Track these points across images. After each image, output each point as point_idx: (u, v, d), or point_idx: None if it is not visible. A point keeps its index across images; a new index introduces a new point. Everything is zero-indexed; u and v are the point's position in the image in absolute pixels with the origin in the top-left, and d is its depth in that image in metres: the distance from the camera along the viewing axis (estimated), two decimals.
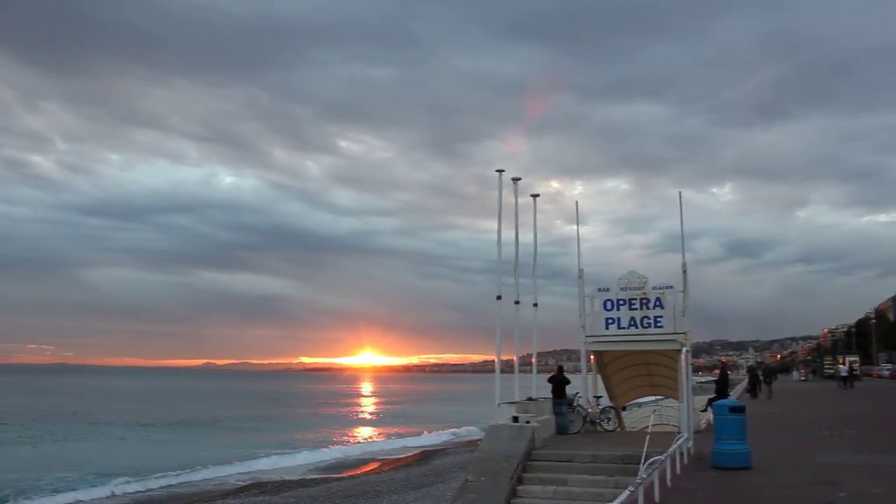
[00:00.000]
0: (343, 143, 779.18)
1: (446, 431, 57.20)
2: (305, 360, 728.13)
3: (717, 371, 45.90)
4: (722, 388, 26.06)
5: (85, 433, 53.23)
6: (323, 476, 34.06)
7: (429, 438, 52.34)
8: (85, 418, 66.23)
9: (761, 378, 47.12)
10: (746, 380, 52.52)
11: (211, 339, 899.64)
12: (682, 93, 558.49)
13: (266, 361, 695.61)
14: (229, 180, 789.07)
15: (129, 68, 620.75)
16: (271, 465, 37.76)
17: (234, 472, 35.26)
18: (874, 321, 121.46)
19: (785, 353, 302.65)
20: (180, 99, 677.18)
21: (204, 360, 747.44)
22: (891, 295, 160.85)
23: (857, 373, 67.72)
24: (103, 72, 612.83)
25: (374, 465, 38.71)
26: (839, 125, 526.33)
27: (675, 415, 23.66)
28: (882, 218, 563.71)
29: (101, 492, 29.56)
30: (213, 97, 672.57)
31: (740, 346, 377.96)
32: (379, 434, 59.37)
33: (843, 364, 68.23)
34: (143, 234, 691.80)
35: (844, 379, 55.79)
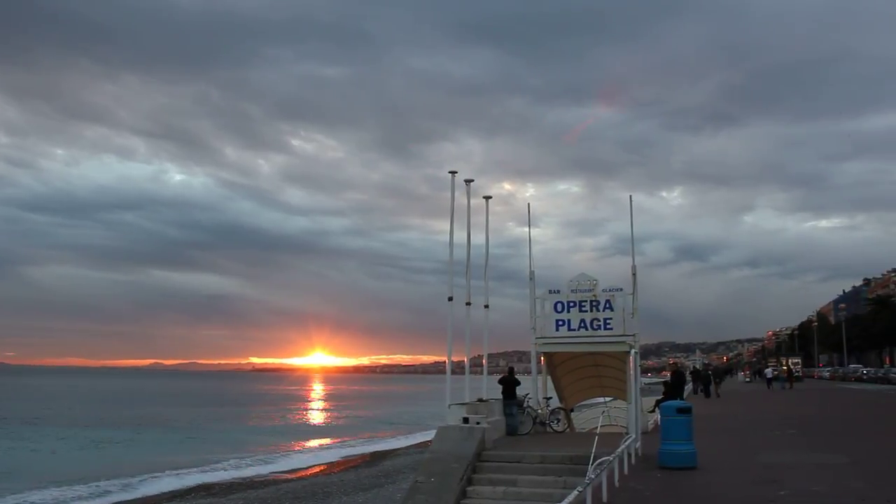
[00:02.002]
0: (295, 142, 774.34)
1: (401, 437, 55.80)
2: (255, 360, 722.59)
3: (666, 372, 46.78)
4: (674, 389, 26.43)
5: (22, 435, 51.73)
6: (272, 477, 33.68)
7: (383, 444, 51.28)
8: (22, 419, 64.38)
9: (712, 379, 48.63)
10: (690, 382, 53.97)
11: (159, 338, 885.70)
12: (633, 97, 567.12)
13: (215, 362, 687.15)
14: (179, 177, 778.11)
15: (76, 62, 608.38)
16: (214, 476, 34.89)
17: (177, 480, 33.87)
18: (816, 324, 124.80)
19: (731, 354, 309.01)
20: (129, 94, 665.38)
21: (151, 360, 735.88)
22: (832, 298, 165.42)
23: (799, 374, 70.08)
24: (50, 65, 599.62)
25: (323, 466, 38.40)
26: (784, 132, 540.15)
27: (623, 416, 23.91)
28: (824, 224, 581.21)
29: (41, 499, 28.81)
30: (163, 93, 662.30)
31: (687, 348, 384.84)
32: (329, 439, 58.80)
33: (773, 366, 72.51)
34: (90, 231, 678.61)
35: (770, 380, 59.82)
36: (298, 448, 49.64)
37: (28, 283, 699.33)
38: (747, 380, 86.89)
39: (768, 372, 65.43)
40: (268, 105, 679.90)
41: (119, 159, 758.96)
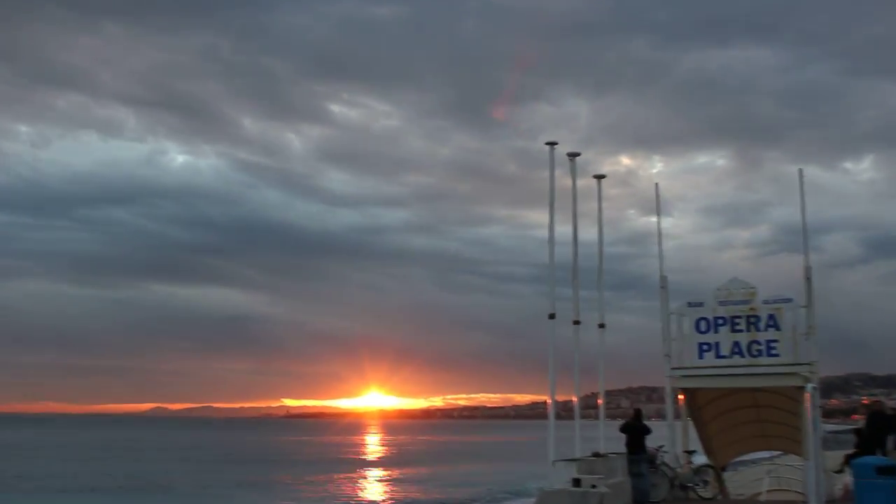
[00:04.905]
0: (335, 108, 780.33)
1: None
2: (289, 402, 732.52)
3: (858, 416, 45.77)
4: (872, 440, 25.84)
5: None
6: None
7: None
8: None
9: None
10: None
11: (161, 374, 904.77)
12: (800, 31, 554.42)
13: (236, 405, 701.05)
14: (182, 159, 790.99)
15: (44, 9, 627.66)
16: None
17: None
18: None
19: None
20: (114, 49, 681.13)
21: (152, 404, 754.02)
22: None
23: None
24: (9, 16, 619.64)
25: None
26: None
27: (798, 477, 23.65)
28: None
29: None
30: (157, 47, 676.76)
31: (889, 383, 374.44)
32: None
33: None
34: (66, 234, 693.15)
35: None
36: None
37: None
38: None
39: None
40: (297, 60, 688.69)
41: (102, 137, 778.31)
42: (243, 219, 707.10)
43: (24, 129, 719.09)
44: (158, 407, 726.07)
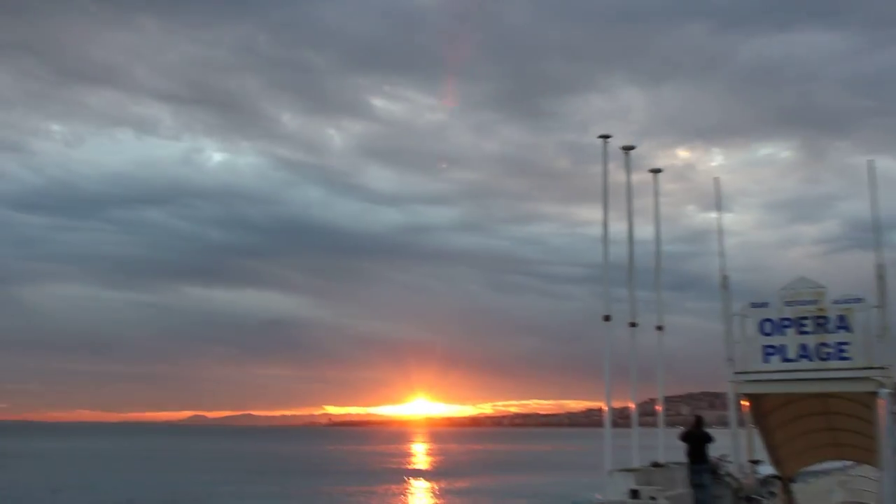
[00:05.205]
0: (377, 102, 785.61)
1: None
2: (332, 410, 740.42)
3: None
4: None
5: None
6: None
7: None
8: (18, 495, 67.73)
9: None
10: None
11: (200, 381, 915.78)
12: (869, 14, 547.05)
13: (277, 413, 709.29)
14: (219, 157, 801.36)
15: (76, 3, 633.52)
16: None
17: None
18: None
19: None
20: (148, 45, 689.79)
21: (191, 412, 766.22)
22: None
23: None
24: (40, 9, 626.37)
25: None
26: None
27: (871, 489, 23.20)
28: None
29: None
30: (194, 42, 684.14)
31: None
32: None
33: None
34: (100, 236, 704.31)
35: None
36: None
37: (20, 307, 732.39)
38: None
39: None
40: (337, 52, 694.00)
41: (137, 135, 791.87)
42: (283, 218, 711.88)
43: (56, 127, 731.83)
44: (196, 415, 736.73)
